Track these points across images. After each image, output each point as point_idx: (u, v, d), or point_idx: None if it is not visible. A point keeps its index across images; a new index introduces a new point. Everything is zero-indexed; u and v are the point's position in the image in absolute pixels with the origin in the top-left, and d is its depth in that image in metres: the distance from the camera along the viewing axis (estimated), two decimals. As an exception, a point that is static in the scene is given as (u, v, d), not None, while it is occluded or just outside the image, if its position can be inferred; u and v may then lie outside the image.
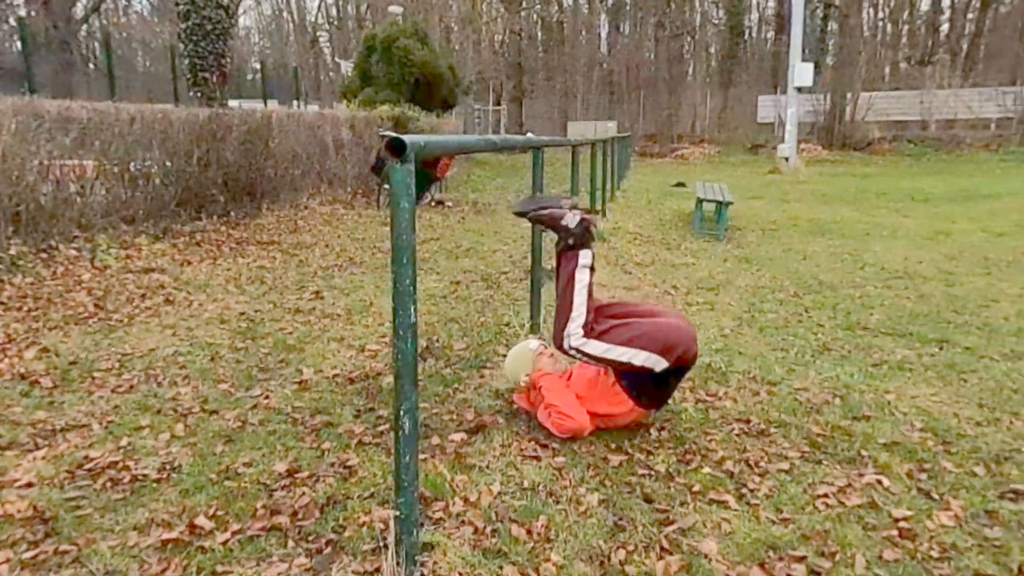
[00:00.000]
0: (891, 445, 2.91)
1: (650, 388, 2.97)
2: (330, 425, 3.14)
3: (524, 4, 36.14)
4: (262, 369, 3.91)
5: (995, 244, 7.89)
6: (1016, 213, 10.41)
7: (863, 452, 2.85)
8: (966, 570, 2.11)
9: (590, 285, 3.02)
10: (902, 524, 2.34)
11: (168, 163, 7.52)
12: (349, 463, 2.75)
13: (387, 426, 3.08)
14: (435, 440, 2.95)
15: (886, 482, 2.60)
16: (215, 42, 11.28)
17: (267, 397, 3.49)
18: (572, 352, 2.97)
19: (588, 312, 2.98)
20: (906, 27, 35.79)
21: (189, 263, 6.52)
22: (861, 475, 2.67)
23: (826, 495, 2.52)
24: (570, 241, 3.05)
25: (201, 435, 3.05)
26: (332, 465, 2.75)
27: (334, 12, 46.98)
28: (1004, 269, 6.54)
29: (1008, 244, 7.85)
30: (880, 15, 36.17)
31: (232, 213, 8.39)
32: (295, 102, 20.82)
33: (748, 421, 3.17)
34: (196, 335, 4.51)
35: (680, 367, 2.95)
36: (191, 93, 11.70)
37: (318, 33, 47.22)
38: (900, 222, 9.84)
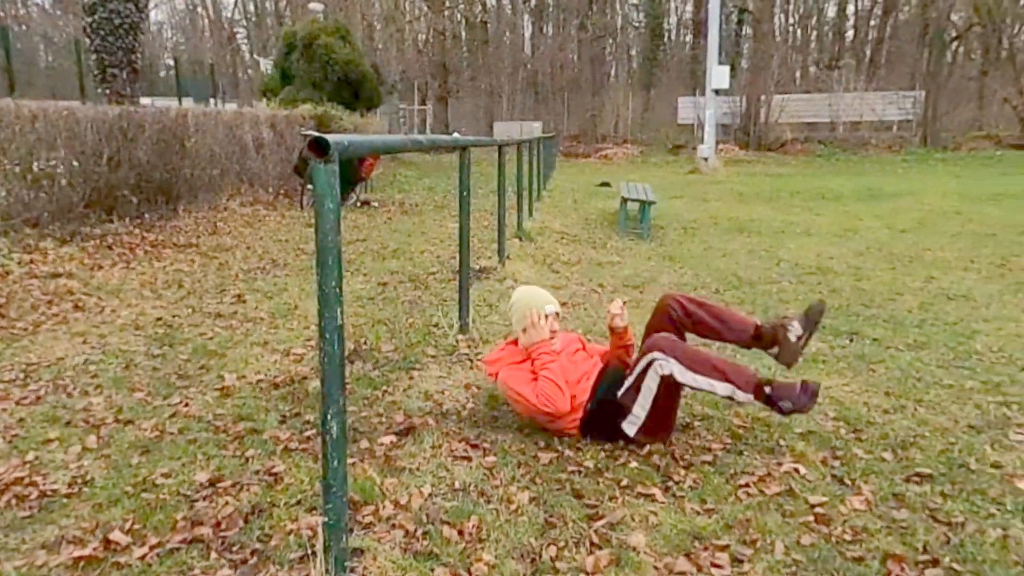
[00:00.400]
0: (807, 434, 3.03)
1: (596, 429, 2.98)
2: (254, 432, 3.06)
3: (447, 4, 36.06)
4: (181, 376, 3.78)
5: (899, 240, 8.34)
6: (916, 211, 11.02)
7: (781, 442, 2.96)
8: (876, 551, 2.21)
9: (701, 389, 2.85)
10: (818, 510, 2.44)
11: (75, 163, 7.16)
12: (275, 470, 2.69)
13: (314, 431, 3.02)
14: (364, 444, 2.91)
15: (802, 470, 2.71)
16: (124, 37, 10.78)
17: (187, 405, 3.37)
18: (643, 358, 2.86)
19: (685, 381, 2.80)
20: (815, 32, 37.53)
21: (100, 267, 6.23)
22: (779, 464, 2.77)
23: (747, 484, 2.61)
24: (768, 389, 2.78)
25: (115, 446, 2.92)
26: (257, 473, 2.68)
27: (252, 8, 45.71)
28: (907, 264, 6.91)
29: (910, 240, 8.30)
30: (791, 20, 37.79)
31: (146, 215, 8.05)
32: (212, 100, 20.15)
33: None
34: (109, 342, 4.31)
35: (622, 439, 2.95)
36: (99, 90, 11.14)
37: (235, 29, 45.83)
38: (812, 220, 10.27)
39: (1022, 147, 24.74)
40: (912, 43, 31.31)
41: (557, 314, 3.17)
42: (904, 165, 22.57)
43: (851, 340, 4.40)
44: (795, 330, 2.92)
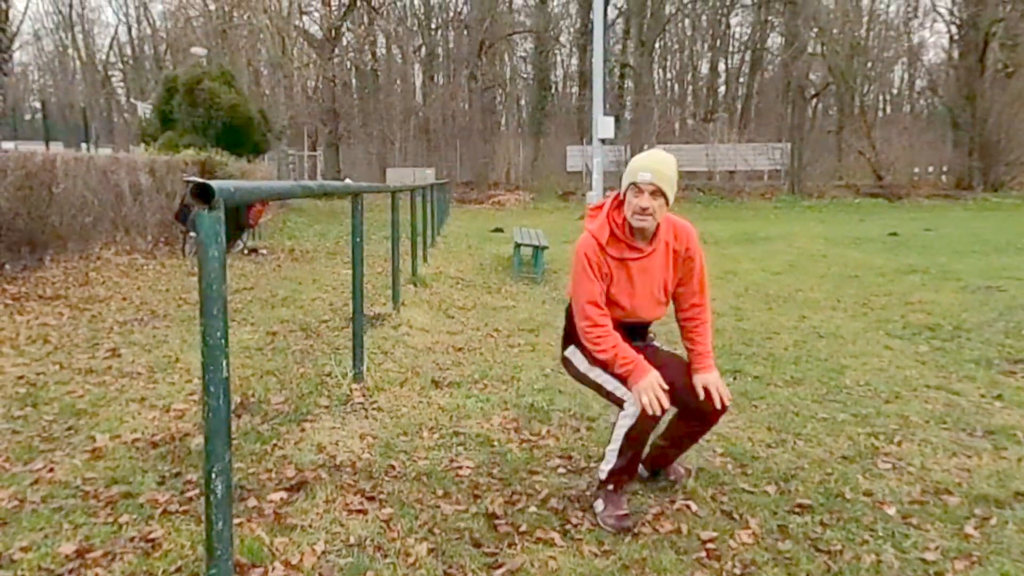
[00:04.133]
0: (697, 471, 3.11)
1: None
2: (129, 495, 2.85)
3: (336, 51, 36.02)
4: (46, 439, 3.48)
5: (773, 282, 8.85)
6: (787, 254, 11.76)
7: (673, 479, 3.03)
8: (765, 582, 2.29)
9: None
10: (709, 545, 2.51)
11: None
12: (152, 536, 2.51)
13: (197, 491, 2.85)
14: (252, 502, 2.76)
15: (694, 506, 2.79)
16: (-16, 80, 10.15)
17: (51, 470, 3.10)
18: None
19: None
20: (690, 87, 40.22)
21: (-48, 322, 5.71)
22: (672, 502, 2.84)
23: (642, 523, 2.66)
24: (611, 486, 2.71)
25: (-33, 520, 2.65)
26: (132, 540, 2.49)
27: (128, 51, 44.14)
28: (782, 304, 7.33)
29: (784, 282, 8.83)
30: (668, 75, 40.40)
31: (7, 266, 7.49)
32: (84, 145, 19.13)
33: (570, 457, 3.28)
34: (-39, 405, 3.93)
35: None
36: (-45, 133, 10.40)
37: (110, 72, 44.05)
38: (695, 263, 10.73)
39: (877, 196, 27.18)
40: (777, 99, 34.01)
41: (656, 190, 2.62)
42: (776, 211, 24.18)
43: (734, 378, 4.60)
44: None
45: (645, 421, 2.60)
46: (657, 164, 2.65)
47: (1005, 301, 7.17)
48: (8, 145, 11.46)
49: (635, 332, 2.91)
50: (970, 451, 3.35)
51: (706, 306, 2.88)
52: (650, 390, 2.57)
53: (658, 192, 2.61)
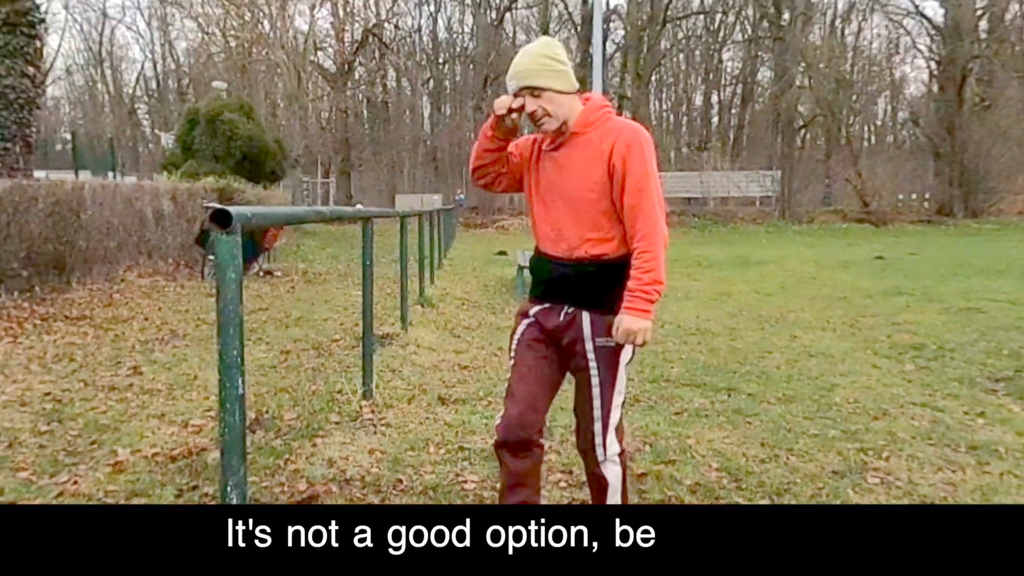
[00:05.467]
0: (694, 486, 3.21)
1: None
2: (149, 507, 3.01)
3: (349, 84, 36.74)
4: (70, 453, 3.63)
5: (766, 303, 8.95)
6: (779, 276, 11.85)
7: (670, 493, 3.13)
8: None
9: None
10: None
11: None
12: (173, 542, 2.66)
13: (213, 504, 2.98)
14: (266, 511, 2.91)
15: (687, 517, 2.91)
16: (19, 112, 10.52)
17: (75, 483, 3.23)
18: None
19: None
20: (685, 118, 41.50)
21: (-19, 343, 5.93)
22: (666, 512, 2.96)
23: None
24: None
25: (-1, 527, 2.81)
26: (154, 545, 2.64)
27: (154, 85, 45.44)
28: (774, 324, 7.43)
29: (776, 303, 8.93)
30: (664, 107, 41.82)
31: (37, 288, 7.73)
32: (111, 173, 19.60)
33: (571, 472, 3.36)
34: (-9, 420, 4.12)
35: None
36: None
37: (136, 105, 45.34)
38: (691, 285, 10.85)
39: (863, 221, 27.81)
40: (767, 130, 34.96)
41: (532, 90, 2.26)
42: (768, 236, 24.42)
43: (729, 395, 4.73)
44: None
45: (500, 435, 2.46)
46: (517, 67, 2.27)
47: (985, 322, 7.29)
48: (40, 174, 11.81)
49: (569, 284, 2.41)
50: (955, 466, 3.45)
51: (648, 236, 2.24)
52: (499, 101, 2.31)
53: (534, 91, 2.24)
